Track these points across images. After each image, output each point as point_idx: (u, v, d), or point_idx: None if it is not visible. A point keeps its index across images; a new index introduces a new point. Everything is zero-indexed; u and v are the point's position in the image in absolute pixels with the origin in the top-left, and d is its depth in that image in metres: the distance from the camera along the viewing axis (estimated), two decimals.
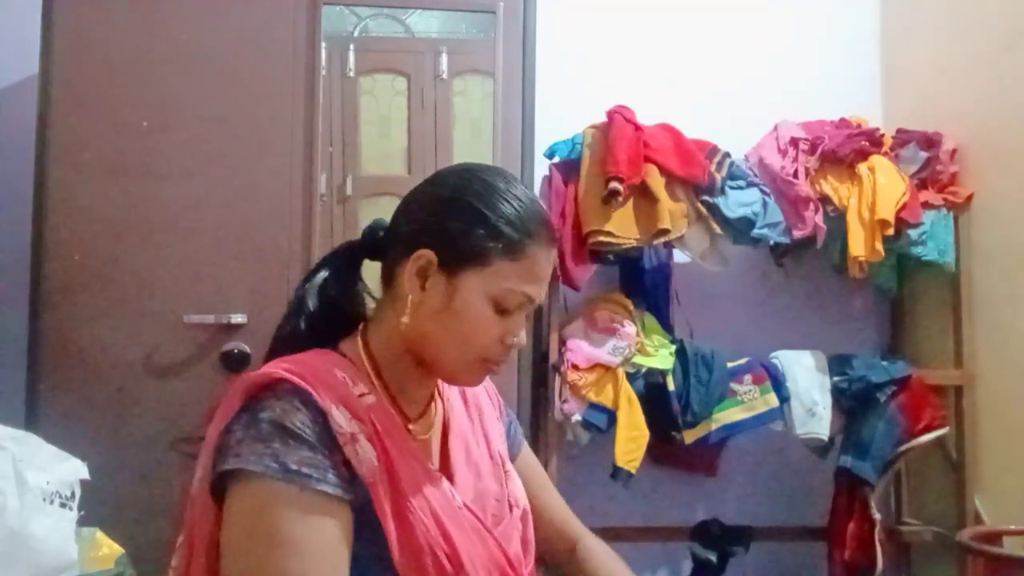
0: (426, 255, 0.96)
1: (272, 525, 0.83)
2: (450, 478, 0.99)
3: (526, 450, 1.21)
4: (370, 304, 1.07)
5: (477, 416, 1.11)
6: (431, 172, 1.07)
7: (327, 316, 1.02)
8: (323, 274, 1.04)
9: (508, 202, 0.97)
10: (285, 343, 1.00)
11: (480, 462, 1.05)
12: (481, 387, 1.16)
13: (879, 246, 2.48)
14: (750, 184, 2.55)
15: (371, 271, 1.07)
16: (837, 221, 2.54)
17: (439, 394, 1.08)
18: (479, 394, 1.15)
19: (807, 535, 2.72)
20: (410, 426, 0.99)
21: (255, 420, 0.87)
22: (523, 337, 0.99)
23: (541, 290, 0.99)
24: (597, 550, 1.18)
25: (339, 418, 0.89)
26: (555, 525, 1.18)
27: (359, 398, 0.93)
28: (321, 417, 0.88)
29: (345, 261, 1.05)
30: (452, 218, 0.97)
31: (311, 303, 1.02)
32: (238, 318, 2.27)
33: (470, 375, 1.00)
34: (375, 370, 0.98)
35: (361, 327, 1.02)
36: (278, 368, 0.91)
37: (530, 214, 0.98)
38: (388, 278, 1.01)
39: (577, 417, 2.36)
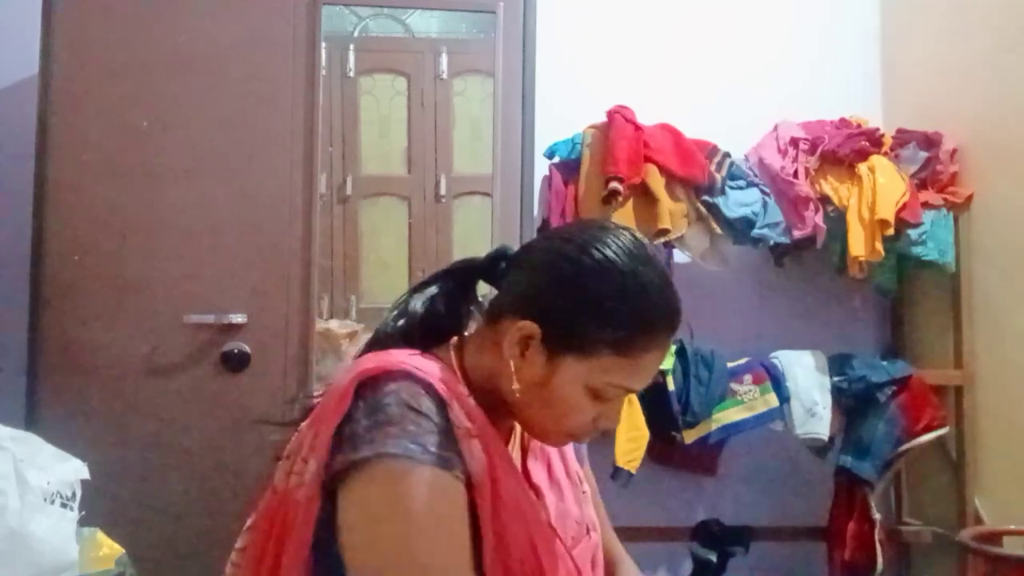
0: (530, 328, 0.90)
1: (406, 504, 0.80)
2: (537, 495, 0.98)
3: (587, 467, 1.18)
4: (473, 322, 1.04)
5: None
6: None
7: (426, 322, 1.00)
8: (433, 289, 1.02)
9: (629, 293, 0.90)
10: (381, 342, 0.98)
11: (561, 481, 1.03)
12: None
13: (879, 246, 2.48)
14: (750, 184, 2.55)
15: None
16: (837, 221, 2.54)
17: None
18: None
19: (807, 535, 2.72)
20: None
21: (380, 405, 0.85)
22: (616, 422, 0.97)
23: (644, 383, 0.94)
24: (627, 570, 1.17)
25: (457, 411, 0.87)
26: (603, 545, 1.14)
27: (466, 398, 0.91)
28: (443, 407, 0.87)
29: (460, 281, 1.03)
30: (565, 297, 0.91)
31: (418, 309, 1.00)
32: (238, 318, 2.27)
33: (555, 443, 1.00)
34: (467, 385, 0.95)
35: (455, 340, 0.99)
36: (388, 362, 0.89)
37: (654, 310, 0.91)
38: (494, 317, 0.97)
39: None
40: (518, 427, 1.03)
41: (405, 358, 0.91)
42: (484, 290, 1.05)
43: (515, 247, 1.03)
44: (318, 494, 0.85)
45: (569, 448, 1.09)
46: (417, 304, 1.00)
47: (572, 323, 0.90)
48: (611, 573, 1.15)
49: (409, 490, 0.81)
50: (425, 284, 1.03)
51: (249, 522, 0.96)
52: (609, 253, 0.91)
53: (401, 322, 1.00)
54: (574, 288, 0.90)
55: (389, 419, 0.83)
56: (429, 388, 0.87)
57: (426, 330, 0.99)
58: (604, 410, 0.94)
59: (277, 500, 0.90)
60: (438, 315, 1.00)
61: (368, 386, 0.87)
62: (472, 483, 0.85)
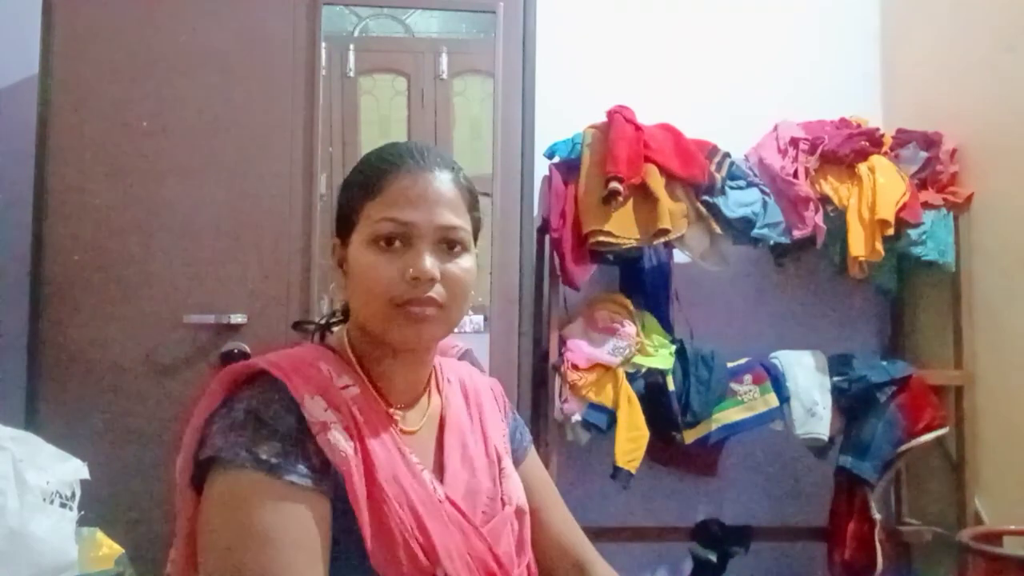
0: (334, 243, 1.03)
1: (245, 515, 0.84)
2: (441, 472, 0.99)
3: (532, 458, 1.18)
4: None
5: (478, 413, 1.11)
6: None
7: (323, 318, 1.10)
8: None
9: (362, 160, 1.02)
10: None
11: (476, 459, 1.04)
12: (486, 386, 1.16)
13: (879, 246, 2.48)
14: (750, 184, 2.55)
15: None
16: (837, 221, 2.54)
17: (438, 389, 1.08)
18: (482, 392, 1.14)
19: (807, 535, 2.72)
20: (394, 412, 0.99)
21: (232, 410, 0.89)
22: (422, 267, 0.94)
23: (413, 211, 0.96)
24: (600, 571, 1.14)
25: (312, 407, 0.90)
26: (558, 541, 1.14)
27: (341, 389, 0.94)
28: (294, 407, 0.89)
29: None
30: (337, 204, 1.03)
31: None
32: (238, 318, 2.27)
33: (395, 326, 0.95)
34: (359, 361, 0.99)
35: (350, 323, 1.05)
36: (258, 359, 0.94)
37: (384, 153, 1.00)
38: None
39: (577, 417, 2.36)
40: (435, 401, 1.06)
41: (280, 356, 0.95)
42: None
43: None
44: (188, 488, 0.91)
45: (496, 429, 1.11)
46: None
47: (342, 208, 1.02)
48: (583, 572, 1.15)
49: (241, 500, 0.85)
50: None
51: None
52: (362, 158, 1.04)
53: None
54: (340, 192, 1.03)
55: (232, 424, 0.88)
56: (281, 389, 0.90)
57: (324, 324, 1.09)
58: (403, 260, 0.95)
59: (177, 494, 0.94)
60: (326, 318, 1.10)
61: (234, 388, 0.92)
62: (340, 472, 0.88)
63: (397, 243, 0.95)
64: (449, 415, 1.06)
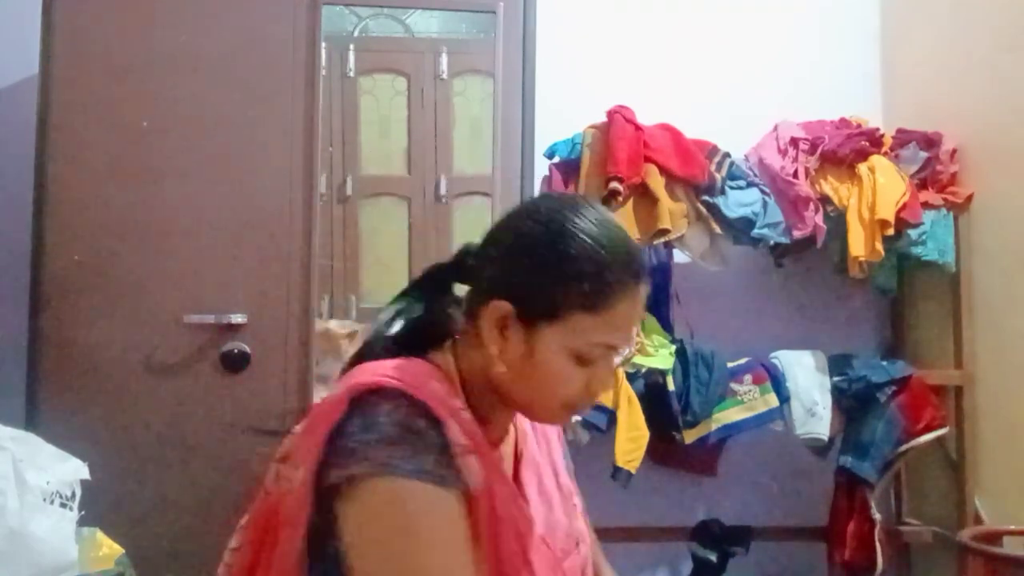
0: (502, 307, 0.91)
1: (412, 521, 0.82)
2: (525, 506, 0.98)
3: (573, 481, 1.17)
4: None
5: (546, 446, 1.08)
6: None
7: (414, 329, 1.00)
8: (411, 297, 1.02)
9: (583, 247, 0.90)
10: (373, 351, 0.98)
11: (551, 494, 1.02)
12: None
13: (879, 246, 2.48)
14: (750, 184, 2.55)
15: None
16: (837, 221, 2.54)
17: (513, 423, 1.05)
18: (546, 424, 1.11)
19: (807, 535, 2.72)
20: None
21: (375, 423, 0.85)
22: (610, 384, 0.98)
23: (628, 337, 0.94)
24: None
25: (453, 429, 0.87)
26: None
27: (461, 411, 0.91)
28: (439, 426, 0.86)
29: (433, 284, 1.03)
30: (524, 269, 0.92)
31: (393, 326, 1.00)
32: (238, 318, 2.27)
33: (553, 419, 0.99)
34: (464, 389, 0.95)
35: (450, 342, 0.99)
36: (383, 375, 0.89)
37: (610, 256, 0.91)
38: (473, 311, 0.96)
39: (577, 417, 2.36)
40: (512, 435, 1.03)
41: (397, 371, 0.91)
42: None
43: None
44: (308, 502, 0.85)
45: (560, 460, 1.09)
46: (393, 314, 1.00)
47: (540, 291, 0.91)
48: None
49: (412, 507, 0.83)
50: (402, 295, 1.03)
51: (242, 521, 0.96)
52: (561, 217, 0.93)
53: (392, 330, 0.99)
54: (535, 256, 0.92)
55: (385, 438, 0.84)
56: (424, 408, 0.87)
57: (416, 336, 0.99)
58: (593, 374, 0.93)
59: (269, 503, 0.91)
60: (423, 321, 1.00)
61: (363, 401, 0.87)
62: (470, 497, 0.86)
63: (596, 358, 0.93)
64: (525, 448, 1.04)
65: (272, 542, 0.89)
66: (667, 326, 2.63)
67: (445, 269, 1.02)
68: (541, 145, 2.54)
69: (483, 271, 0.96)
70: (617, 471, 2.34)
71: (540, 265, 0.91)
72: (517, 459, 1.02)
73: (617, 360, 0.98)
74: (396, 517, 0.83)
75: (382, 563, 0.82)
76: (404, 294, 1.03)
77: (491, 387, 0.95)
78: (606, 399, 2.36)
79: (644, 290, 0.93)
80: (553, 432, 1.12)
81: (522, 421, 1.06)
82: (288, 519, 0.87)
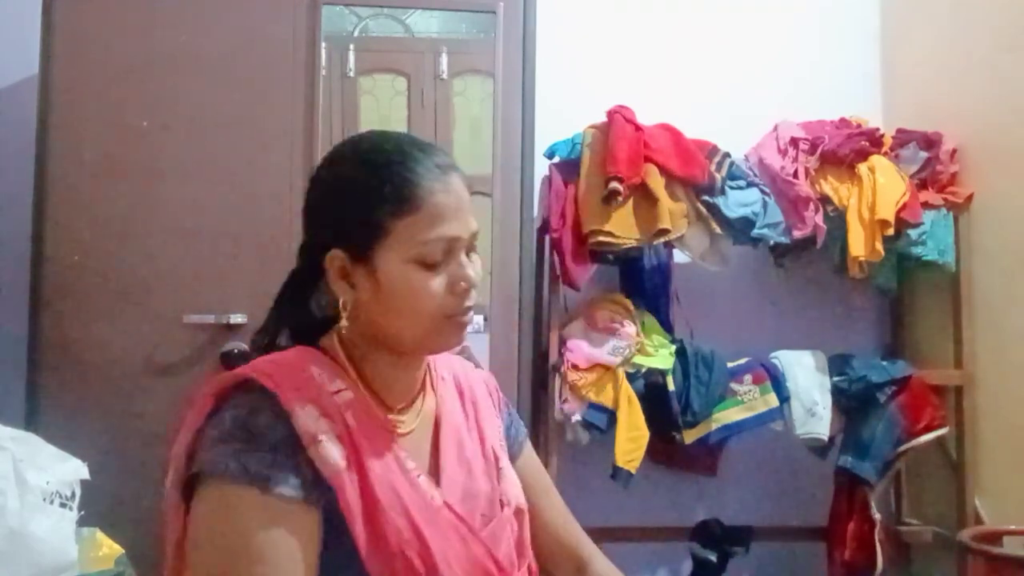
0: (336, 256, 0.95)
1: (235, 530, 0.83)
2: (437, 474, 0.97)
3: (528, 453, 1.17)
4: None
5: (473, 411, 1.08)
6: None
7: (303, 324, 1.02)
8: (283, 297, 1.03)
9: (372, 160, 0.94)
10: (265, 350, 1.00)
11: (472, 459, 1.02)
12: (480, 381, 1.13)
13: (879, 246, 2.48)
14: (750, 184, 2.55)
15: None
16: (837, 221, 2.54)
17: (431, 386, 1.05)
18: (476, 388, 1.11)
19: (807, 535, 2.72)
20: (391, 417, 0.96)
21: (221, 420, 0.87)
22: (471, 275, 0.94)
23: (459, 224, 0.93)
24: (605, 568, 1.14)
25: (303, 419, 0.87)
26: (557, 537, 1.14)
27: (334, 395, 0.91)
28: (285, 416, 0.87)
29: (296, 290, 1.03)
30: (332, 211, 0.95)
31: (277, 331, 1.02)
32: (238, 318, 2.27)
33: (441, 336, 0.96)
34: (353, 364, 0.96)
35: (337, 327, 1.00)
36: (249, 368, 0.91)
37: (401, 154, 0.93)
38: (325, 280, 0.99)
39: (577, 417, 2.36)
40: (429, 400, 1.03)
41: (270, 362, 0.92)
42: None
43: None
44: (180, 504, 0.88)
45: (490, 426, 1.08)
46: (275, 327, 1.02)
47: (353, 221, 0.93)
48: (578, 569, 1.14)
49: (225, 511, 0.84)
50: (274, 309, 1.04)
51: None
52: (339, 151, 0.98)
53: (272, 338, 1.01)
54: (335, 195, 0.95)
55: (221, 435, 0.86)
56: (271, 400, 0.87)
57: (308, 328, 1.01)
58: (449, 272, 0.93)
59: (165, 510, 0.92)
60: (302, 314, 1.02)
61: (223, 398, 0.90)
62: (331, 484, 0.86)
63: (439, 257, 0.93)
64: (444, 414, 1.03)
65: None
66: (667, 326, 2.63)
67: (298, 270, 1.03)
68: (541, 145, 2.54)
69: (310, 247, 0.99)
70: (617, 471, 2.34)
71: (341, 198, 0.94)
72: (437, 425, 1.02)
73: (467, 258, 0.94)
74: (213, 518, 0.84)
75: (197, 565, 0.84)
76: (275, 307, 1.04)
77: (379, 345, 0.96)
78: (606, 399, 2.37)
79: (455, 177, 0.95)
80: (484, 398, 1.11)
81: (443, 387, 1.06)
82: (169, 519, 0.89)
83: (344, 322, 0.96)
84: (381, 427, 0.94)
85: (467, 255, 0.96)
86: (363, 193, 0.93)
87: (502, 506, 1.01)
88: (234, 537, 0.83)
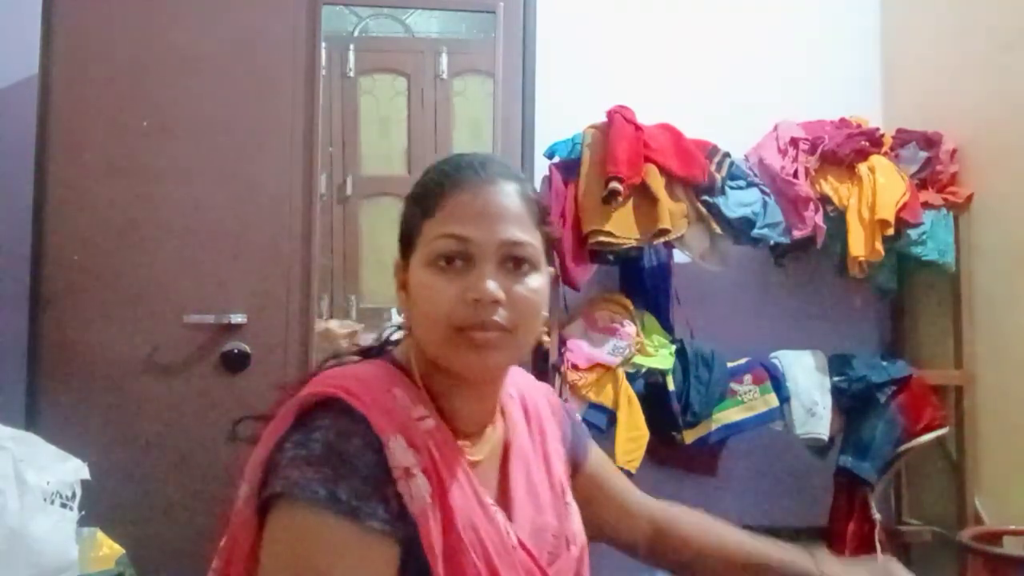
0: (396, 264, 0.96)
1: (315, 558, 0.79)
2: (508, 506, 0.93)
3: (594, 452, 1.15)
4: None
5: (540, 436, 1.03)
6: None
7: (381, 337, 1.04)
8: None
9: (424, 174, 0.96)
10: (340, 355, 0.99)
11: (540, 492, 0.98)
12: (543, 398, 1.09)
13: (879, 246, 2.48)
14: (750, 184, 2.55)
15: None
16: (837, 221, 2.54)
17: (501, 412, 1.00)
18: (541, 408, 1.07)
19: (807, 535, 2.72)
20: (463, 444, 0.92)
21: (308, 440, 0.82)
22: (484, 288, 0.86)
23: (474, 226, 0.88)
24: (682, 513, 1.18)
25: (396, 449, 0.83)
26: (632, 509, 1.17)
27: (418, 422, 0.87)
28: (377, 444, 0.83)
29: None
30: (401, 220, 0.97)
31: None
32: (238, 318, 2.27)
33: (457, 353, 0.88)
34: (425, 383, 0.92)
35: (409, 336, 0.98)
36: (333, 385, 0.86)
37: (443, 166, 0.94)
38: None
39: (576, 417, 2.36)
40: (499, 426, 0.99)
41: (354, 379, 0.89)
42: None
43: None
44: (253, 520, 0.84)
45: (555, 456, 1.04)
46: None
47: (402, 228, 0.95)
48: (655, 529, 1.16)
49: (311, 538, 0.79)
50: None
51: (222, 543, 0.94)
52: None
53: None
54: (402, 209, 0.97)
55: (310, 456, 0.81)
56: (364, 425, 0.83)
57: (382, 341, 1.02)
58: (462, 280, 0.88)
59: (234, 514, 0.89)
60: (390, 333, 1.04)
61: (307, 415, 0.85)
62: (415, 520, 0.82)
63: (458, 263, 0.88)
64: (513, 440, 0.99)
65: (235, 562, 0.87)
66: (667, 326, 2.63)
67: None
68: (541, 145, 2.54)
69: None
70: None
71: (403, 208, 0.96)
72: (506, 453, 0.98)
73: (495, 271, 0.88)
74: (294, 544, 0.80)
75: None
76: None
77: (433, 364, 0.92)
78: (606, 399, 2.37)
79: (498, 186, 0.91)
80: (549, 419, 1.07)
81: (512, 406, 1.02)
82: (239, 537, 0.85)
83: (405, 329, 0.96)
84: (459, 459, 0.89)
85: (509, 271, 0.89)
86: (409, 202, 0.95)
87: (568, 545, 0.97)
88: (315, 565, 0.79)
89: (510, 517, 0.92)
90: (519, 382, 1.07)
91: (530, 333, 0.91)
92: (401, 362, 0.94)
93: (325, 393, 0.85)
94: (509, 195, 0.91)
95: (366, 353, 1.01)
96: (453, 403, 0.93)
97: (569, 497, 1.02)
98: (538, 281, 0.91)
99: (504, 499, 0.94)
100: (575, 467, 1.10)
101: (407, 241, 0.93)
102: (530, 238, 0.90)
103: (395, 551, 0.82)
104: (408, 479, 0.83)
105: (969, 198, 2.60)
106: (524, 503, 0.95)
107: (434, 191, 0.91)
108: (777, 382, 2.48)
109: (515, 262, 0.89)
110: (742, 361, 2.52)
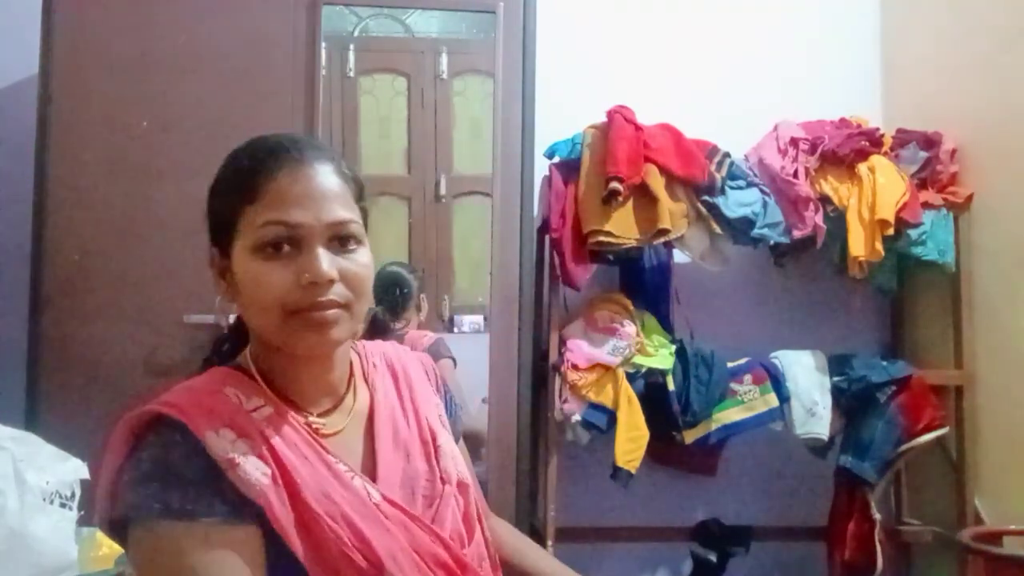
0: (212, 253, 0.96)
1: (174, 564, 0.82)
2: (374, 467, 0.96)
3: (461, 446, 1.14)
4: None
5: (408, 391, 1.06)
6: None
7: (219, 343, 1.05)
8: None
9: (232, 158, 0.95)
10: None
11: (409, 442, 1.00)
12: (416, 361, 1.12)
13: (879, 246, 2.48)
14: (750, 184, 2.55)
15: None
16: (837, 221, 2.54)
17: (364, 377, 1.03)
18: (411, 369, 1.09)
19: (807, 535, 2.72)
20: (313, 420, 0.94)
21: (139, 461, 0.86)
22: (319, 267, 0.88)
23: (304, 211, 0.89)
24: (503, 531, 1.15)
25: (217, 444, 0.85)
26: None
27: (251, 413, 0.90)
28: (199, 446, 0.85)
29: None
30: (208, 209, 0.96)
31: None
32: None
33: (297, 335, 0.90)
34: (266, 376, 0.94)
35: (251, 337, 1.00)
36: (158, 402, 0.89)
37: (255, 150, 0.93)
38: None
39: (577, 417, 2.36)
40: (358, 392, 1.01)
41: (182, 389, 0.92)
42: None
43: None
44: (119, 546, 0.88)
45: (427, 405, 1.06)
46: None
47: (215, 216, 0.95)
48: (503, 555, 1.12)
49: (160, 555, 0.83)
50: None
51: None
52: (225, 159, 0.97)
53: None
54: (208, 200, 0.96)
55: (141, 476, 0.85)
56: (181, 431, 0.86)
57: (221, 347, 1.03)
58: (294, 265, 0.89)
59: None
60: (223, 337, 1.05)
61: (138, 437, 0.88)
62: (258, 504, 0.85)
63: (286, 247, 0.89)
64: (378, 402, 1.01)
65: None
66: (667, 326, 2.63)
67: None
68: (541, 145, 2.54)
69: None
70: (617, 471, 2.34)
71: (210, 196, 0.96)
72: (371, 416, 1.00)
73: (323, 251, 0.90)
74: (156, 561, 0.83)
75: None
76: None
77: (274, 349, 0.94)
78: (606, 399, 2.37)
79: (317, 167, 0.92)
80: (420, 378, 1.09)
81: (375, 375, 1.04)
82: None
83: (226, 320, 0.98)
84: (305, 436, 0.92)
85: (338, 249, 0.91)
86: (220, 189, 0.94)
87: (443, 483, 0.99)
88: (178, 570, 0.82)
89: (376, 475, 0.94)
90: (387, 351, 1.09)
91: (365, 304, 0.94)
92: (241, 364, 0.97)
93: (147, 413, 0.89)
94: (327, 175, 0.92)
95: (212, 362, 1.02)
96: (299, 385, 0.95)
97: (442, 440, 1.04)
98: (366, 255, 0.93)
99: (371, 459, 0.96)
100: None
101: (222, 229, 0.93)
102: (353, 215, 0.93)
103: (251, 532, 0.85)
104: (235, 468, 0.85)
105: (969, 198, 2.60)
106: (391, 457, 0.97)
107: (250, 176, 0.91)
108: (777, 382, 2.48)
109: (342, 240, 0.91)
110: (742, 361, 2.52)
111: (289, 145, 0.93)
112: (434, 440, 1.03)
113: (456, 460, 1.04)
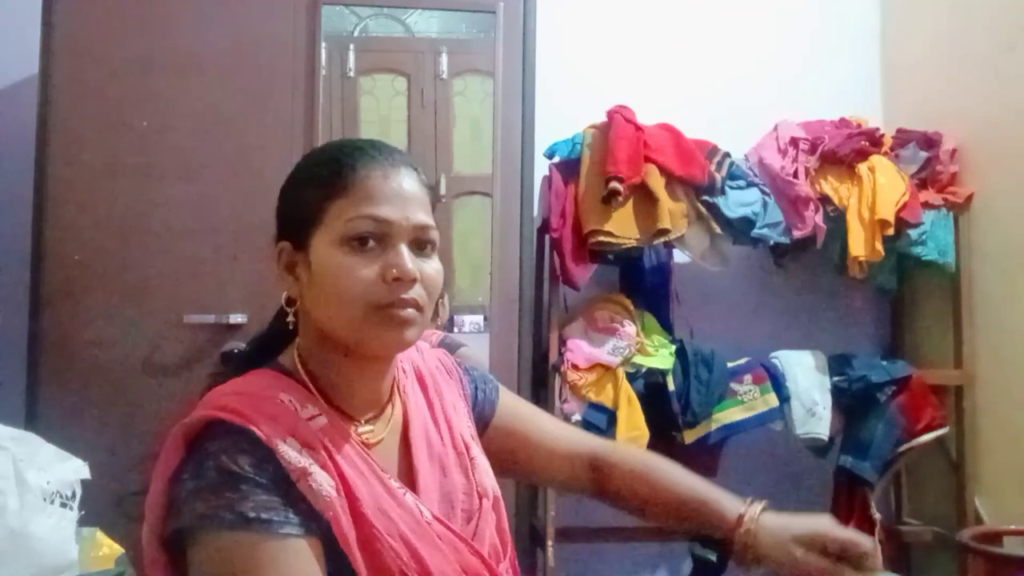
0: (283, 247, 0.96)
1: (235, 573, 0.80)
2: (413, 480, 0.94)
3: (504, 399, 1.12)
4: None
5: (438, 400, 1.04)
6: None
7: (260, 341, 1.04)
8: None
9: (317, 155, 0.98)
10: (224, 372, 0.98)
11: (444, 455, 0.99)
12: (436, 362, 1.10)
13: (879, 246, 2.48)
14: (750, 184, 2.55)
15: None
16: (837, 221, 2.54)
17: (397, 389, 1.01)
18: (438, 377, 1.07)
19: None
20: (361, 431, 0.93)
21: (202, 469, 0.82)
22: (406, 265, 0.88)
23: (390, 208, 0.89)
24: (621, 453, 1.14)
25: (288, 453, 0.83)
26: (567, 450, 1.12)
27: (308, 422, 0.88)
28: (268, 454, 0.83)
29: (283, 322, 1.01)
30: (284, 204, 0.98)
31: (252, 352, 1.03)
32: (238, 318, 2.27)
33: (376, 331, 0.89)
34: (313, 379, 0.93)
35: (295, 341, 0.98)
36: (215, 407, 0.86)
37: (342, 148, 0.95)
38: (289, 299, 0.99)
39: (577, 417, 2.36)
40: (395, 408, 0.99)
41: (235, 395, 0.88)
42: None
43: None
44: (160, 558, 0.85)
45: (456, 413, 1.05)
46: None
47: (294, 209, 0.95)
48: (595, 466, 1.12)
49: (236, 562, 0.80)
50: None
51: None
52: (299, 162, 1.00)
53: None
54: (285, 192, 0.99)
55: (208, 485, 0.81)
56: (249, 438, 0.83)
57: (263, 348, 1.01)
58: (380, 260, 0.89)
59: (145, 563, 0.89)
60: (266, 334, 1.04)
61: (196, 444, 0.85)
62: (325, 517, 0.83)
63: (371, 243, 0.89)
64: (411, 412, 1.00)
65: None
66: (667, 326, 2.63)
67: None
68: (541, 145, 2.54)
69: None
70: None
71: (291, 190, 0.97)
72: (405, 427, 0.98)
73: (409, 252, 0.90)
74: (222, 573, 0.80)
75: None
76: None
77: (332, 347, 0.92)
78: (606, 399, 2.37)
79: (405, 173, 0.93)
80: (445, 381, 1.07)
81: (406, 382, 1.03)
82: (148, 570, 0.86)
83: (290, 318, 0.95)
84: (357, 448, 0.90)
85: (416, 252, 0.91)
86: (304, 181, 0.95)
87: (480, 499, 0.98)
88: None
89: (416, 489, 0.93)
90: (412, 356, 1.07)
91: (432, 311, 0.94)
92: (287, 368, 0.95)
93: (204, 418, 0.85)
94: (414, 180, 0.94)
95: (250, 362, 0.99)
96: (349, 391, 0.94)
97: (475, 451, 1.02)
98: (439, 263, 0.94)
99: (409, 473, 0.95)
100: (484, 420, 1.10)
101: (301, 223, 0.93)
102: (432, 222, 0.94)
103: (317, 547, 0.83)
104: (307, 478, 0.83)
105: (969, 198, 2.60)
106: (429, 472, 0.96)
107: (340, 170, 0.91)
108: (777, 382, 2.48)
109: (420, 244, 0.92)
110: (742, 361, 2.52)
111: (379, 147, 0.95)
112: (468, 452, 1.01)
113: (487, 473, 1.02)
